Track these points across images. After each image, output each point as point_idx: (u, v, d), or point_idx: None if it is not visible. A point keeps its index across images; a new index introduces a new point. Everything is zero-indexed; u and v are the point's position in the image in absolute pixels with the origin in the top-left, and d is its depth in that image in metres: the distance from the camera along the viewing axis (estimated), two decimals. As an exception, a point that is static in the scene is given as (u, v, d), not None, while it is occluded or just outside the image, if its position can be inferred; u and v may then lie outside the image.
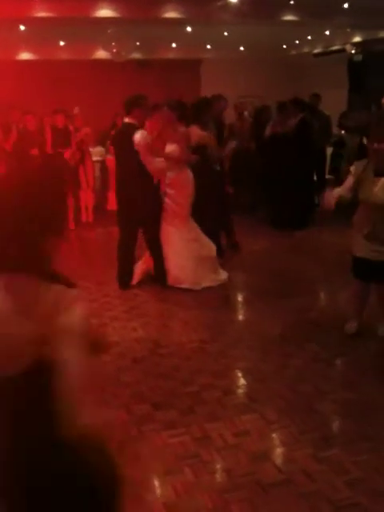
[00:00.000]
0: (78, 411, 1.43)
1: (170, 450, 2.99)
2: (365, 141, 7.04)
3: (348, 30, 9.79)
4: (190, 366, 3.95)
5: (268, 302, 5.07)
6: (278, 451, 3.03)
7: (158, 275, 5.47)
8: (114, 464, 1.63)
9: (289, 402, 3.43)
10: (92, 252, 7.35)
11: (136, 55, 10.06)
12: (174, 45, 10.19)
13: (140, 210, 5.25)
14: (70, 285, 1.49)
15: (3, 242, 1.45)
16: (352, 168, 4.10)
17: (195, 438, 3.09)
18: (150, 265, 5.60)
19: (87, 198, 8.59)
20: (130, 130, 5.13)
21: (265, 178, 8.00)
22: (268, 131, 7.70)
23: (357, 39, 10.44)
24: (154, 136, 5.41)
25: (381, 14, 8.06)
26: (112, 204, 7.93)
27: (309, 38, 10.36)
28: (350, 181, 4.03)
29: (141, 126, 5.29)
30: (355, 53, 10.59)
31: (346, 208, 4.23)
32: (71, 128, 8.20)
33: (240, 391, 3.65)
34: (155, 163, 5.16)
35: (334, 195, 4.09)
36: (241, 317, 5.13)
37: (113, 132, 7.50)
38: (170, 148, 5.38)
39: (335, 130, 9.06)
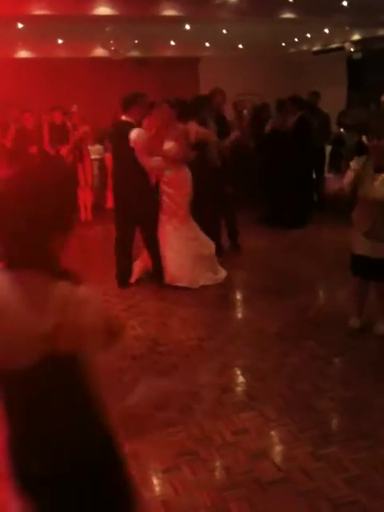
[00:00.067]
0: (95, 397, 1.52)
1: (169, 448, 2.99)
2: (364, 139, 7.05)
3: (347, 27, 9.77)
4: (188, 363, 3.95)
5: (266, 300, 5.07)
6: (277, 449, 3.03)
7: (156, 273, 5.47)
8: (123, 454, 1.70)
9: (287, 400, 3.43)
10: (91, 250, 7.35)
11: (134, 53, 10.01)
12: (172, 43, 10.16)
13: (137, 209, 5.24)
14: (78, 281, 1.51)
15: (6, 242, 1.48)
16: (352, 163, 4.09)
17: (193, 435, 3.09)
18: (148, 263, 5.60)
19: (86, 197, 8.58)
20: (127, 127, 5.12)
21: (263, 176, 7.99)
22: (268, 128, 7.69)
23: (356, 37, 10.43)
24: (151, 134, 5.40)
25: (380, 12, 8.05)
26: (111, 202, 7.91)
27: (308, 35, 10.33)
28: (349, 175, 4.03)
29: (138, 124, 5.28)
30: (354, 51, 10.58)
31: (345, 206, 4.22)
32: (69, 125, 8.19)
33: (239, 389, 3.65)
34: (151, 162, 5.15)
35: (347, 179, 4.03)
36: (239, 315, 5.13)
37: (113, 130, 7.49)
38: (168, 145, 5.37)
39: (334, 128, 9.06)
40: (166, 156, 5.28)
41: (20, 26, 7.50)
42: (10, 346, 1.46)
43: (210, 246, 5.63)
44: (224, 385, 3.65)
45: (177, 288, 5.34)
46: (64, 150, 7.92)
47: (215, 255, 5.69)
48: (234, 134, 6.58)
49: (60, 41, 9.24)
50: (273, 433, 3.14)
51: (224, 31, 9.10)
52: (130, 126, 5.12)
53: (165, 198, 5.45)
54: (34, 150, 7.87)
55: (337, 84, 10.62)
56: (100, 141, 9.43)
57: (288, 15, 7.93)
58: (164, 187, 5.47)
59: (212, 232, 5.84)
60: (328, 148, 9.03)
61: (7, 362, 1.47)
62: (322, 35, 10.14)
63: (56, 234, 1.50)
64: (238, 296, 5.60)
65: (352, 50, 10.53)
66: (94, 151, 9.12)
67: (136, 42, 9.10)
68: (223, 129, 6.45)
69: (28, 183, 1.49)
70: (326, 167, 9.06)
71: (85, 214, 8.62)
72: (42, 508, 1.57)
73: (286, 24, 8.58)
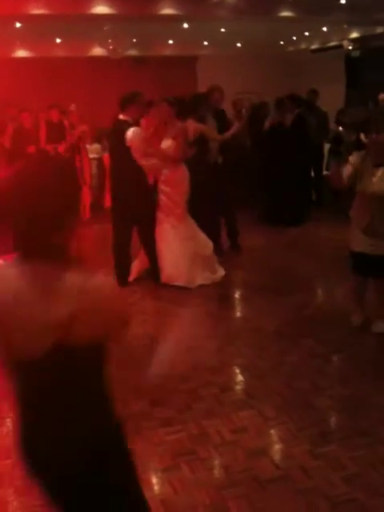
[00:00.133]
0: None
1: (168, 446, 2.99)
2: (362, 137, 7.05)
3: (345, 26, 9.75)
4: (187, 362, 3.95)
5: (265, 298, 5.07)
6: (276, 447, 3.03)
7: (152, 272, 5.47)
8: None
9: (286, 398, 3.43)
10: (89, 249, 7.33)
11: (132, 52, 10.00)
12: (170, 41, 10.15)
13: (134, 208, 5.24)
14: (90, 269, 1.53)
15: (14, 236, 1.51)
16: (351, 157, 4.10)
17: (192, 434, 3.09)
18: (146, 262, 5.59)
19: (84, 196, 8.57)
20: (124, 126, 5.12)
21: (263, 174, 7.99)
22: (267, 125, 7.68)
23: (354, 35, 10.41)
24: (149, 132, 5.39)
25: (378, 10, 8.04)
26: (109, 201, 7.91)
27: (306, 34, 10.32)
28: (348, 170, 4.04)
29: (136, 123, 5.28)
30: (352, 49, 10.56)
31: (343, 203, 4.23)
32: (66, 123, 8.17)
33: (237, 388, 3.66)
34: (148, 161, 5.14)
35: (346, 173, 4.04)
36: (238, 313, 5.13)
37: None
38: (166, 144, 5.36)
39: (332, 126, 9.05)
40: (165, 154, 5.27)
41: (18, 25, 7.48)
42: (23, 335, 1.48)
43: (209, 246, 5.62)
44: (223, 383, 3.65)
45: (175, 287, 5.33)
46: (61, 148, 7.91)
47: (215, 255, 5.69)
48: (235, 127, 6.54)
49: (58, 40, 9.22)
50: (271, 431, 3.14)
51: (222, 30, 9.09)
52: (127, 125, 5.11)
53: (162, 197, 5.45)
54: (32, 149, 7.86)
55: (335, 82, 10.62)
56: (98, 140, 9.41)
57: (286, 13, 7.92)
58: (161, 186, 5.46)
59: (212, 231, 5.83)
60: (326, 146, 9.03)
61: (21, 351, 1.49)
62: (320, 33, 10.13)
63: (54, 234, 1.50)
64: (236, 294, 5.60)
65: (350, 48, 10.51)
66: (93, 150, 9.11)
67: (134, 40, 9.10)
68: (223, 124, 6.43)
69: (29, 183, 1.50)
70: (325, 165, 9.06)
71: (83, 213, 8.60)
72: (52, 495, 1.60)
73: (284, 22, 8.56)
